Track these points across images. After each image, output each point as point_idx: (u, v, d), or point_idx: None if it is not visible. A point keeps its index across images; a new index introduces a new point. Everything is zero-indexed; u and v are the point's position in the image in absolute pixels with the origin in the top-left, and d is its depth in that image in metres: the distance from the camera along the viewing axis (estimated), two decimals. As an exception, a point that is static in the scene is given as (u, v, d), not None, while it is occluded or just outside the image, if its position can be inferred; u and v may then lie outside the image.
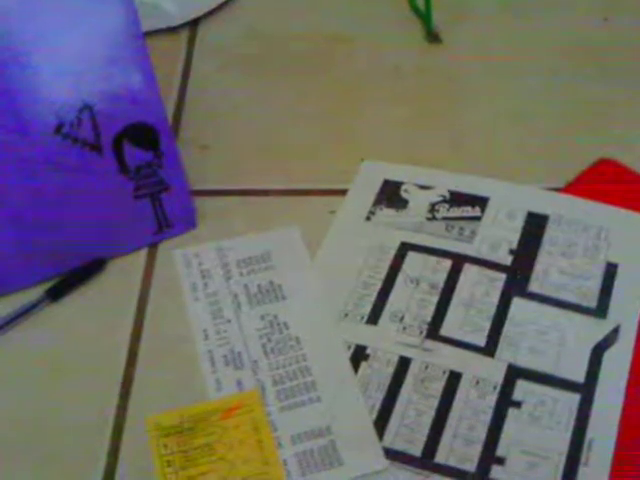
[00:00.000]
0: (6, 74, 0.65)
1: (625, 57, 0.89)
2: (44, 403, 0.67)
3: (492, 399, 0.65)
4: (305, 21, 0.96)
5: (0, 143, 0.67)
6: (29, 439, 0.65)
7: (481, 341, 0.68)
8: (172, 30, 0.95)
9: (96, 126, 0.69)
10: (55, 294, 0.72)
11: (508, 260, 0.72)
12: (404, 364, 0.67)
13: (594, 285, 0.70)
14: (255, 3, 0.98)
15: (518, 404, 0.64)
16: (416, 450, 0.62)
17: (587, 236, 0.73)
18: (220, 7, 0.97)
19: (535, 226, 0.74)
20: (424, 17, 0.93)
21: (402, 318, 0.69)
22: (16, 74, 0.65)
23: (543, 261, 0.72)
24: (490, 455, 0.62)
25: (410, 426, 0.63)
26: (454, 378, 0.66)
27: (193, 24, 0.96)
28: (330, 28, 0.95)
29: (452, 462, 0.62)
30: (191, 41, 0.94)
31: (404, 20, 0.95)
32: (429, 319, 0.69)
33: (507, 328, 0.68)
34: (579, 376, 0.65)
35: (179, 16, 0.95)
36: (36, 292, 0.72)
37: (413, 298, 0.70)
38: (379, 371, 0.66)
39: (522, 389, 0.65)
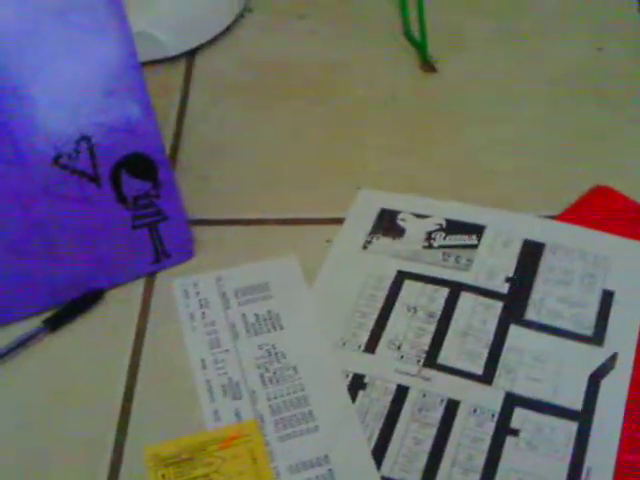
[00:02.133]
0: (4, 106, 0.65)
1: (619, 86, 0.90)
2: (42, 434, 0.66)
3: (490, 427, 0.65)
4: (302, 50, 0.96)
5: (-2, 173, 0.67)
6: (27, 470, 0.65)
7: (478, 369, 0.68)
8: (169, 60, 0.95)
9: (94, 157, 0.69)
10: (53, 325, 0.72)
11: (505, 288, 0.72)
12: (402, 393, 0.67)
13: (591, 313, 0.70)
14: (252, 33, 0.99)
15: (516, 432, 0.64)
16: (414, 479, 0.62)
17: (583, 264, 0.74)
18: (217, 37, 0.98)
19: (531, 254, 0.75)
20: (419, 46, 0.94)
21: (400, 346, 0.69)
22: (14, 106, 0.65)
23: (540, 289, 0.72)
24: (488, 484, 0.62)
25: (408, 455, 0.63)
26: (452, 406, 0.66)
27: (190, 54, 0.96)
28: (327, 57, 0.95)
29: (450, 491, 0.62)
30: (188, 71, 0.95)
31: (400, 49, 0.96)
32: (426, 347, 0.69)
33: (504, 356, 0.68)
34: (577, 404, 0.65)
35: (176, 47, 0.95)
36: (34, 323, 0.72)
37: (410, 326, 0.71)
38: (377, 400, 0.66)
39: (520, 417, 0.65)
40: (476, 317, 0.71)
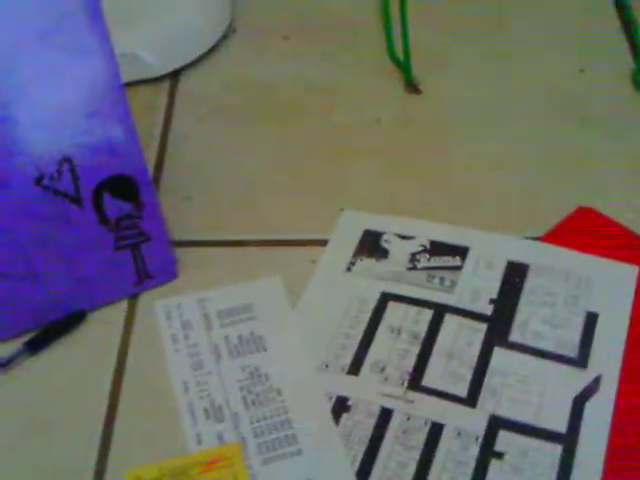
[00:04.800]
0: (-15, 127, 0.65)
1: (602, 107, 0.90)
2: (22, 457, 0.66)
3: (474, 450, 0.64)
4: (286, 71, 0.96)
5: (-20, 195, 0.67)
6: (7, 494, 0.64)
7: (463, 392, 0.67)
8: (153, 81, 0.95)
9: (76, 178, 0.69)
10: (34, 347, 0.71)
11: (489, 310, 0.72)
12: (386, 415, 0.66)
13: (574, 334, 0.70)
14: (236, 54, 0.99)
15: (500, 455, 0.64)
16: (398, 503, 0.62)
17: (567, 285, 0.74)
18: (201, 58, 0.98)
19: (515, 275, 0.75)
20: (403, 67, 0.94)
21: (383, 369, 0.69)
22: (-4, 127, 0.65)
23: (524, 310, 0.72)
24: (473, 507, 0.62)
25: (392, 478, 0.63)
26: (436, 429, 0.65)
27: (174, 75, 0.96)
28: (310, 78, 0.95)
29: (435, 515, 0.62)
30: (172, 92, 0.95)
31: (384, 70, 0.96)
32: (410, 370, 0.69)
33: (488, 378, 0.68)
34: (561, 426, 0.65)
35: (160, 67, 0.95)
36: (14, 345, 0.71)
37: (394, 348, 0.70)
38: (361, 422, 0.66)
39: (504, 440, 0.65)
40: (460, 339, 0.71)
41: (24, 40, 0.64)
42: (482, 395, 0.67)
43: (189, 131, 0.90)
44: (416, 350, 0.70)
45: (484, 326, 0.71)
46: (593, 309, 0.72)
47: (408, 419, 0.66)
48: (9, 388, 0.70)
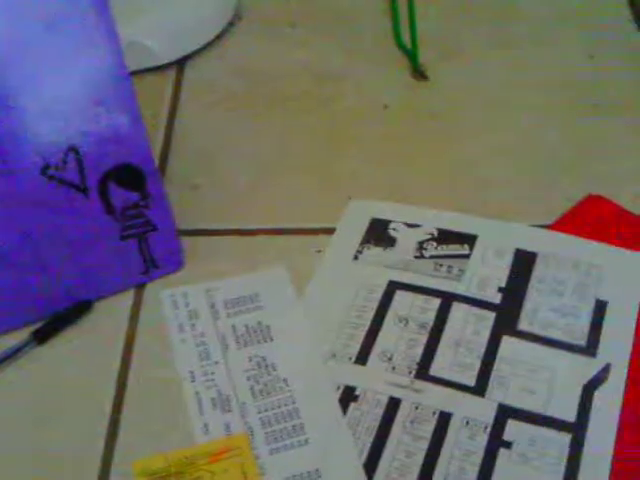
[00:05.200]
0: (-8, 117, 0.65)
1: (612, 94, 0.89)
2: (29, 447, 0.66)
3: (483, 439, 0.64)
4: (292, 59, 0.96)
5: (-15, 185, 0.66)
6: (14, 485, 0.64)
7: (471, 381, 0.67)
8: (158, 69, 0.95)
9: (82, 168, 0.68)
10: (41, 336, 0.71)
11: (497, 298, 0.72)
12: (393, 405, 0.66)
13: (584, 323, 0.70)
14: (242, 41, 0.99)
15: (509, 444, 0.64)
16: (406, 493, 0.62)
17: (576, 273, 0.73)
18: (207, 46, 0.97)
19: (524, 264, 0.74)
20: (410, 54, 0.94)
21: (391, 358, 0.69)
22: (1, 116, 0.64)
23: (532, 299, 0.72)
24: (481, 497, 0.62)
25: (400, 468, 0.63)
26: (444, 419, 0.65)
27: (180, 63, 0.96)
28: (317, 66, 0.95)
29: (443, 505, 0.61)
30: (178, 80, 0.94)
31: (391, 57, 0.96)
32: (418, 359, 0.69)
33: (497, 367, 0.68)
34: (570, 415, 0.65)
35: (165, 55, 0.95)
36: (22, 334, 0.71)
37: (402, 338, 0.70)
38: (368, 412, 0.66)
39: (513, 429, 0.64)
40: (468, 328, 0.70)
41: (30, 30, 0.63)
42: (490, 384, 0.67)
43: (195, 119, 0.90)
44: (424, 339, 0.70)
45: (492, 315, 0.71)
46: (602, 297, 0.71)
47: (416, 408, 0.66)
48: (16, 377, 0.70)
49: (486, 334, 0.70)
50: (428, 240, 0.76)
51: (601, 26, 0.97)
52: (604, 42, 0.95)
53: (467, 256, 0.75)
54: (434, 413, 0.65)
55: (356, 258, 0.76)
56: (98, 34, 0.65)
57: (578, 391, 0.66)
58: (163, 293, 0.74)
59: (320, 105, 0.91)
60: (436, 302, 0.72)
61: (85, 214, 0.70)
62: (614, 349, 0.68)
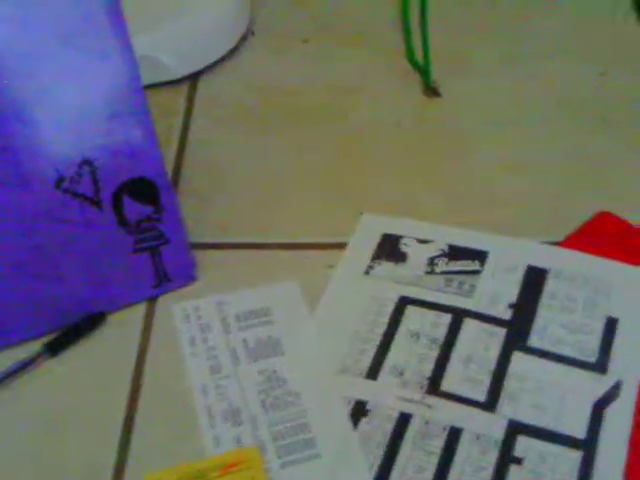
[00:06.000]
0: (7, 129, 0.65)
1: (623, 110, 0.90)
2: (41, 459, 0.66)
3: (493, 455, 0.64)
4: (305, 75, 0.96)
5: (1, 197, 0.67)
6: (26, 496, 0.64)
7: (481, 396, 0.67)
8: (172, 84, 0.95)
9: (96, 181, 0.69)
10: (54, 348, 0.71)
11: (508, 314, 0.72)
12: (404, 420, 0.66)
13: (594, 340, 0.70)
14: (255, 56, 0.99)
15: (519, 460, 0.64)
16: (417, 508, 0.62)
17: (587, 290, 0.73)
18: (220, 60, 0.98)
19: (535, 280, 0.74)
20: (423, 71, 0.94)
21: (402, 373, 0.69)
22: (18, 131, 0.65)
23: (543, 315, 0.72)
24: (491, 513, 0.62)
25: (410, 483, 0.63)
26: (455, 434, 0.65)
27: (193, 77, 0.96)
28: (330, 81, 0.95)
29: (453, 520, 0.61)
30: (191, 94, 0.95)
31: (403, 73, 0.96)
32: (429, 374, 0.69)
33: (507, 383, 0.68)
34: (580, 432, 0.65)
35: (179, 70, 0.95)
36: (35, 346, 0.71)
37: (413, 353, 0.70)
38: (379, 427, 0.66)
39: (523, 445, 0.64)
40: (479, 344, 0.70)
41: (46, 43, 0.64)
42: (501, 400, 0.67)
43: (208, 134, 0.90)
44: (435, 354, 0.70)
45: (503, 331, 0.71)
46: (613, 314, 0.72)
47: (427, 424, 0.66)
48: (29, 389, 0.70)
49: (497, 350, 0.70)
50: (439, 256, 0.77)
51: (612, 42, 0.97)
52: (615, 58, 0.95)
53: (478, 272, 0.75)
54: (444, 428, 0.65)
55: (367, 273, 0.76)
56: (113, 48, 0.66)
57: (589, 408, 0.66)
58: (175, 306, 0.75)
59: (332, 120, 0.91)
60: (447, 318, 0.72)
61: (99, 227, 0.71)
62: (625, 366, 0.68)
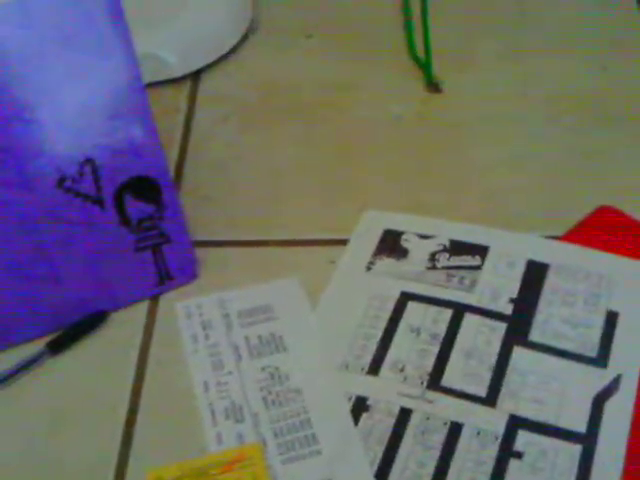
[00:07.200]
0: (9, 129, 0.65)
1: (624, 105, 0.89)
2: (44, 457, 0.66)
3: (494, 450, 0.64)
4: (306, 71, 0.96)
5: (2, 197, 0.67)
6: (30, 494, 0.65)
7: (482, 391, 0.67)
8: (174, 81, 0.95)
9: (97, 180, 0.69)
10: (56, 347, 0.72)
11: (509, 309, 0.72)
12: (405, 415, 0.66)
13: (595, 334, 0.70)
14: (256, 54, 0.99)
15: (520, 455, 0.64)
16: (417, 503, 0.62)
17: (588, 284, 0.73)
18: (222, 58, 0.98)
19: (535, 275, 0.74)
20: (424, 67, 0.94)
21: (403, 369, 0.69)
22: (19, 130, 0.65)
23: (543, 310, 0.72)
24: (492, 507, 0.62)
25: (411, 478, 0.63)
26: (455, 429, 0.65)
27: (195, 75, 0.97)
28: (331, 78, 0.95)
29: (453, 515, 0.62)
30: (193, 92, 0.95)
31: (405, 69, 0.96)
32: (430, 369, 0.69)
33: (508, 378, 0.68)
34: (581, 426, 0.65)
35: (180, 67, 0.95)
36: (37, 345, 0.72)
37: (414, 348, 0.70)
38: (380, 422, 0.66)
39: (523, 439, 0.65)
40: (480, 338, 0.71)
41: (48, 43, 0.64)
42: (501, 395, 0.67)
43: (210, 131, 0.91)
44: (435, 350, 0.70)
45: (504, 325, 0.71)
46: (613, 308, 0.72)
47: (427, 419, 0.66)
48: (32, 388, 0.70)
49: (497, 345, 0.70)
50: (440, 251, 0.77)
51: (614, 38, 0.97)
52: (617, 54, 0.95)
53: (479, 267, 0.75)
54: (445, 423, 0.66)
55: (369, 269, 0.76)
56: (114, 47, 0.66)
57: (589, 402, 0.66)
58: (177, 304, 0.75)
59: (334, 116, 0.91)
60: (448, 313, 0.72)
61: (101, 226, 0.71)
62: (625, 360, 0.68)
